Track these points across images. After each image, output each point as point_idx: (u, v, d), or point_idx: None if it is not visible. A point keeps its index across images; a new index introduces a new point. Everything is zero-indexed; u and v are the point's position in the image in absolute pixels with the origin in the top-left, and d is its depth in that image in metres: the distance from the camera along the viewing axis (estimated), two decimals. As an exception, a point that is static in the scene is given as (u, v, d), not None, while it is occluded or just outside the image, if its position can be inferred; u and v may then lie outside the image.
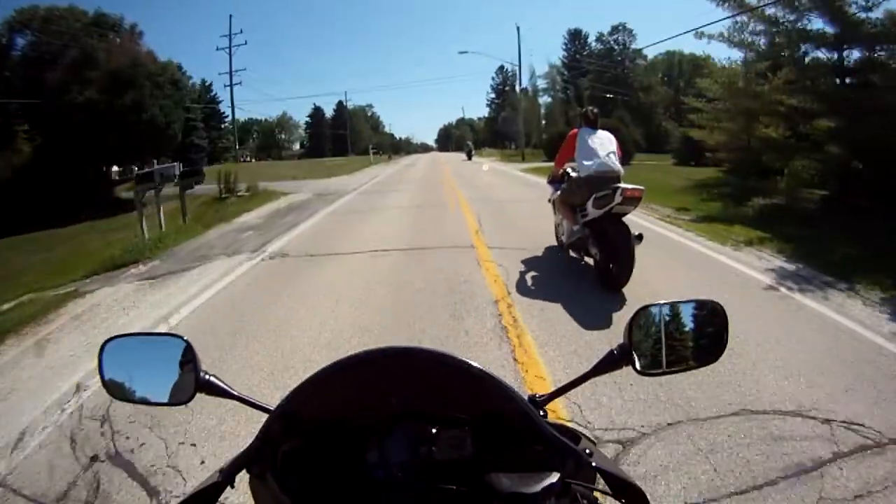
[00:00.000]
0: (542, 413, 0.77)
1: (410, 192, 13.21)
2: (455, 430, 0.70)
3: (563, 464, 0.67)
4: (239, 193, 13.71)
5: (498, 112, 68.89)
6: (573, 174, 5.04)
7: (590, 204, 4.51)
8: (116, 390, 0.86)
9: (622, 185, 4.32)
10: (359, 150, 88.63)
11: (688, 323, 0.87)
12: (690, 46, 69.93)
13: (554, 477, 0.64)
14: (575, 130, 4.99)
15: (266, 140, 55.74)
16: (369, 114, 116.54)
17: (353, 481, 0.69)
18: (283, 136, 59.04)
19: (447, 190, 13.64)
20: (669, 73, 50.60)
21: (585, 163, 4.67)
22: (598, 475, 0.70)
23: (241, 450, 0.72)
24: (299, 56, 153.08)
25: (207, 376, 0.83)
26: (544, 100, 48.84)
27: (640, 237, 4.38)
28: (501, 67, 73.18)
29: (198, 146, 40.02)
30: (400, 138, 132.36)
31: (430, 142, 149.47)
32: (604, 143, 4.73)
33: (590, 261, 4.94)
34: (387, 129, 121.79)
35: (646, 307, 0.85)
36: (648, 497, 0.69)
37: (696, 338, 0.88)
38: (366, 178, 19.70)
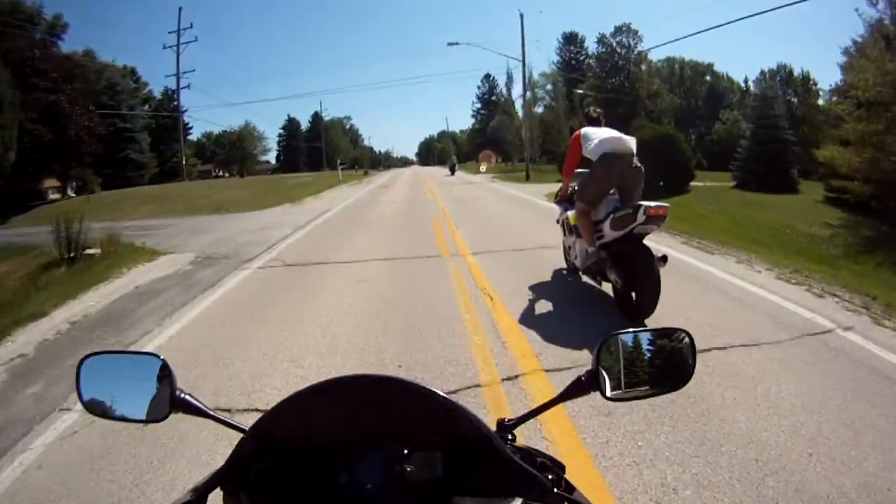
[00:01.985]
0: (510, 436, 0.81)
1: (377, 250, 7.08)
2: (426, 452, 0.70)
3: (528, 490, 0.68)
4: (89, 252, 7.88)
5: (485, 122, 63.72)
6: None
7: (606, 225, 4.07)
8: (94, 407, 0.86)
9: (644, 202, 3.80)
10: (334, 165, 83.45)
11: (656, 349, 0.89)
12: (691, 52, 66.93)
13: (517, 502, 0.67)
14: (578, 132, 4.56)
15: (230, 153, 49.12)
16: (347, 126, 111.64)
17: (324, 500, 0.69)
18: (254, 149, 51.98)
19: (445, 242, 7.58)
20: (669, 79, 46.22)
21: (595, 144, 4.22)
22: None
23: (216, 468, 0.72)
24: (270, 61, 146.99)
25: (183, 394, 0.82)
26: (537, 110, 43.95)
27: (664, 259, 3.92)
28: (488, 76, 68.64)
29: (135, 162, 33.84)
30: (379, 152, 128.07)
31: (411, 155, 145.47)
32: (611, 132, 4.40)
33: (607, 287, 4.49)
34: (366, 143, 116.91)
35: (614, 334, 0.86)
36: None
37: (665, 364, 0.89)
38: (320, 207, 13.80)
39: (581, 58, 46.49)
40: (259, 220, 11.62)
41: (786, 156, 19.68)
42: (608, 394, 0.83)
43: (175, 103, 64.35)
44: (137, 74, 56.31)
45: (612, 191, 4.25)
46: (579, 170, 4.75)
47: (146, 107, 61.48)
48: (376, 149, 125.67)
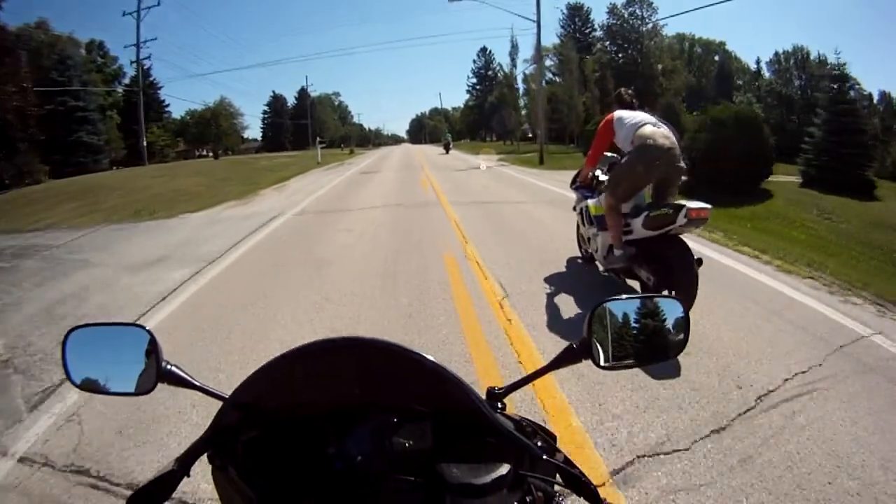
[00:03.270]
0: (500, 405, 0.80)
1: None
2: (416, 422, 0.69)
3: (517, 456, 0.68)
4: None
5: (480, 98, 59.61)
6: (603, 178, 4.42)
7: (637, 222, 3.76)
8: (81, 380, 0.84)
9: (687, 202, 3.46)
10: (324, 143, 79.49)
11: (648, 317, 0.87)
12: (703, 29, 62.98)
13: (504, 468, 0.65)
14: (610, 116, 4.14)
15: (203, 132, 44.51)
16: (336, 103, 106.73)
17: (313, 472, 0.68)
18: (229, 127, 46.72)
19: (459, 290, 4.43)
20: (678, 57, 42.59)
21: (632, 133, 3.77)
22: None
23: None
24: (251, 32, 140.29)
25: (169, 366, 0.82)
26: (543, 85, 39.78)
27: (699, 262, 3.58)
28: (484, 49, 64.32)
29: (89, 145, 29.96)
30: (369, 129, 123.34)
31: (402, 133, 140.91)
32: (649, 118, 3.90)
33: (633, 284, 4.10)
34: (356, 120, 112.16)
35: (604, 301, 0.84)
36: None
37: (658, 332, 0.87)
38: (270, 209, 9.49)
39: (587, 31, 42.46)
40: (167, 238, 7.77)
41: (867, 151, 16.34)
42: (601, 363, 0.83)
43: (150, 78, 60.30)
44: (105, 48, 51.81)
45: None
46: (609, 154, 4.46)
47: (116, 83, 57.16)
48: (366, 126, 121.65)
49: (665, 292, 3.32)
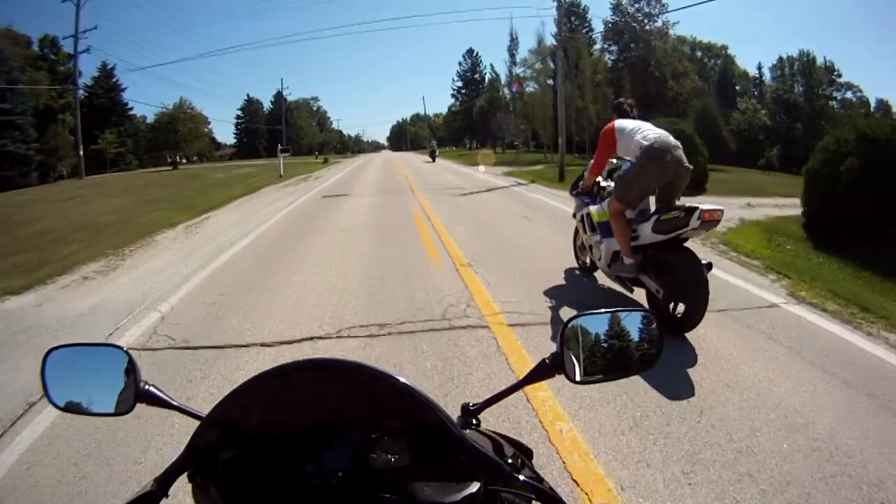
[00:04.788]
0: (475, 421, 0.82)
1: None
2: (392, 439, 0.70)
3: (489, 473, 0.68)
4: None
5: (467, 103, 55.84)
6: (605, 184, 4.42)
7: (646, 227, 3.69)
8: (61, 401, 0.84)
9: (701, 205, 3.40)
10: (299, 150, 75.03)
11: (621, 331, 0.88)
12: (706, 33, 60.26)
13: (474, 487, 0.66)
14: (611, 124, 4.15)
15: (158, 137, 38.99)
16: (315, 108, 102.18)
17: (292, 490, 0.69)
18: (193, 131, 40.30)
19: None
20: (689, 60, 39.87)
21: (636, 139, 3.78)
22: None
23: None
24: (225, 32, 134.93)
25: (147, 386, 0.82)
26: (527, 90, 35.85)
27: (709, 266, 3.53)
28: (471, 51, 60.98)
29: (15, 156, 25.41)
30: (349, 136, 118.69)
31: (382, 140, 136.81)
32: (650, 125, 3.94)
33: (638, 293, 4.02)
34: (335, 126, 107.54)
35: (577, 316, 0.85)
36: None
37: (630, 346, 0.87)
38: (142, 285, 5.25)
39: (584, 31, 39.26)
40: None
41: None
42: (576, 378, 0.83)
43: (113, 79, 54.97)
44: (59, 45, 46.59)
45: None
46: (614, 160, 4.46)
47: (69, 83, 51.75)
48: (346, 132, 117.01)
49: (669, 302, 3.52)
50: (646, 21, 32.38)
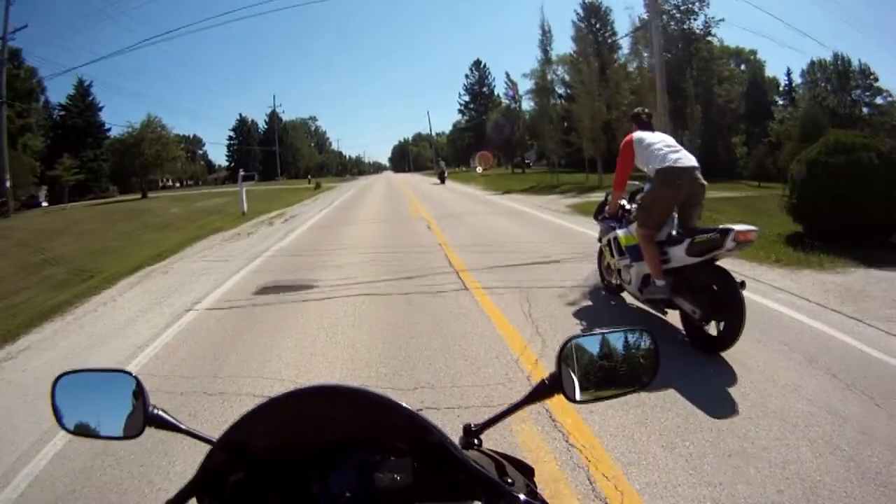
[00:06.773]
0: (477, 441, 0.83)
1: None
2: (397, 459, 0.71)
3: (489, 493, 0.68)
4: None
5: (473, 118, 51.02)
6: (629, 206, 4.42)
7: (678, 250, 3.68)
8: (71, 425, 0.84)
9: (735, 226, 3.40)
10: (296, 173, 70.55)
11: (619, 350, 0.87)
12: (733, 38, 55.98)
13: None
14: (629, 136, 4.16)
15: (122, 161, 32.87)
16: (313, 128, 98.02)
17: None
18: (161, 154, 32.98)
19: None
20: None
21: (653, 154, 3.85)
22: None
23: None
24: (221, 55, 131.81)
25: (156, 410, 0.82)
26: (525, 107, 30.98)
27: (742, 284, 3.47)
28: (478, 62, 56.69)
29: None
30: (349, 157, 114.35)
31: (384, 160, 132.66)
32: (667, 140, 4.04)
33: (672, 314, 3.97)
34: (334, 147, 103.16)
35: (574, 337, 0.85)
36: None
37: (628, 363, 0.87)
38: None
39: (606, 34, 34.55)
40: None
41: None
42: (576, 397, 0.83)
43: (89, 97, 50.27)
44: (20, 59, 41.78)
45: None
46: (631, 182, 4.43)
47: (42, 103, 47.04)
48: (346, 153, 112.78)
49: (698, 319, 3.51)
50: (685, 19, 27.40)
